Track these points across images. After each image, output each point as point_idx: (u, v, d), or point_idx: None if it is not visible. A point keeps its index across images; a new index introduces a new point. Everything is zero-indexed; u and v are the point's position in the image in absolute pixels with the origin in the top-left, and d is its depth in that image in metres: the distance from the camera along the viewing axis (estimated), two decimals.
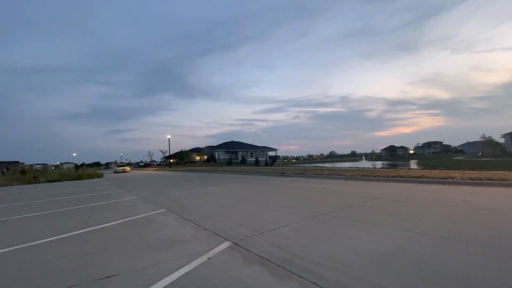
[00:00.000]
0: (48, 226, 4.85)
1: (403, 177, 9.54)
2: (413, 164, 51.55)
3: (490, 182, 7.35)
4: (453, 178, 8.36)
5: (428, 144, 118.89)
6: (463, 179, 8.01)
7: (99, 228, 4.49)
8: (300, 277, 2.34)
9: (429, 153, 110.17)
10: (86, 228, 4.46)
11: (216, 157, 54.13)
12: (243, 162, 49.48)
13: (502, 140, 72.40)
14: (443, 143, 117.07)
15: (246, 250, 3.08)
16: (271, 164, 48.44)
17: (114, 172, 34.65)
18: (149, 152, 73.26)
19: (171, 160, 57.25)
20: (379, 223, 4.00)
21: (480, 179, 7.77)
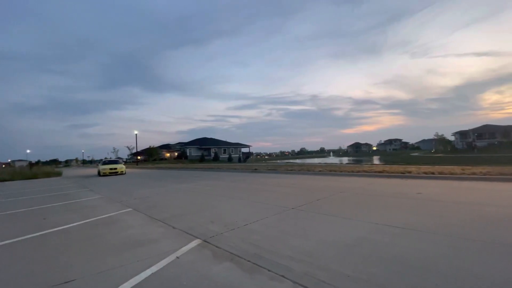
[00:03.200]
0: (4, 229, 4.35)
1: (367, 172, 10.18)
2: (376, 159, 55.26)
3: (441, 176, 8.15)
4: (410, 172, 9.12)
5: (389, 141, 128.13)
6: (418, 174, 8.77)
7: (56, 230, 4.14)
8: (269, 270, 2.39)
9: (390, 149, 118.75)
10: (42, 231, 4.09)
11: (188, 154, 52.78)
12: (216, 159, 48.88)
13: (452, 138, 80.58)
14: (403, 140, 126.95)
15: (216, 247, 3.07)
16: (244, 161, 48.57)
17: (99, 174, 18.72)
18: (114, 149, 68.56)
19: (139, 157, 54.52)
20: (344, 215, 4.23)
21: (433, 173, 8.57)
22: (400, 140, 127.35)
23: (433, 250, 2.72)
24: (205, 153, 51.30)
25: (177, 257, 2.80)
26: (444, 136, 64.84)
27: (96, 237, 3.73)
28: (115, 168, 18.87)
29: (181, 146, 58.92)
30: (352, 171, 10.65)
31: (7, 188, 12.02)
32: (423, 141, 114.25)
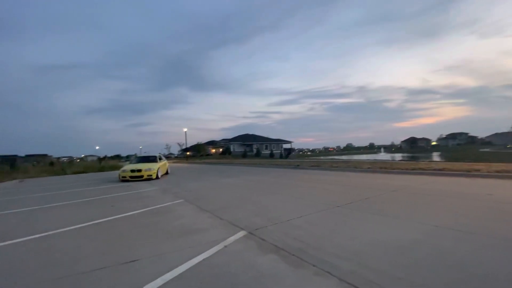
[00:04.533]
0: (77, 214, 5.18)
1: (424, 169, 9.22)
2: (436, 156, 49.42)
3: None
4: (478, 170, 7.97)
5: (452, 136, 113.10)
6: (489, 172, 7.62)
7: (122, 216, 4.74)
8: (314, 266, 2.38)
9: (453, 144, 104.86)
10: (111, 217, 4.72)
11: (231, 150, 54.69)
12: (258, 154, 49.65)
13: None
14: (469, 134, 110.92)
15: (261, 239, 3.16)
16: (286, 157, 48.31)
17: (120, 179, 11.40)
18: (167, 145, 75.02)
19: (188, 153, 58.54)
20: (397, 215, 3.93)
21: (508, 171, 7.35)
22: (466, 134, 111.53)
23: (502, 259, 2.36)
24: (248, 149, 52.49)
25: (225, 246, 2.97)
26: None
27: (154, 223, 4.17)
28: (139, 170, 11.12)
29: (225, 142, 61.27)
30: (406, 169, 9.76)
31: (83, 179, 14.11)
32: (496, 135, 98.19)
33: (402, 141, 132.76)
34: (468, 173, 7.87)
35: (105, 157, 53.87)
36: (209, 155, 59.27)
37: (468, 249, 2.61)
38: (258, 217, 4.17)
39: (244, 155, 48.01)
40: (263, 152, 52.48)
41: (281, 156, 48.32)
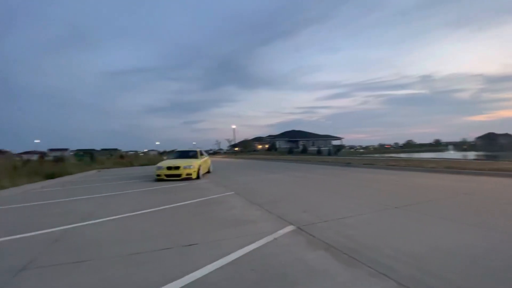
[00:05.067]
0: (143, 200, 5.90)
1: (504, 170, 7.82)
2: None
3: None
4: None
5: None
6: None
7: (181, 204, 5.23)
8: (368, 266, 2.28)
9: None
10: (171, 204, 5.25)
11: (277, 146, 54.81)
12: (304, 151, 48.67)
13: None
14: None
15: (310, 235, 3.14)
16: (335, 154, 46.25)
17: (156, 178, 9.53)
18: (216, 141, 79.54)
19: (236, 149, 60.79)
20: (466, 221, 3.46)
21: None
22: None
23: None
24: (294, 146, 51.88)
25: (275, 238, 3.05)
26: None
27: (209, 212, 4.50)
28: (177, 168, 9.32)
29: (271, 139, 61.70)
30: (481, 169, 8.42)
31: (148, 171, 15.90)
32: None
33: (477, 138, 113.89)
34: None
35: (164, 152, 59.79)
36: (255, 151, 60.56)
37: None
38: (306, 214, 4.14)
39: (290, 152, 47.63)
40: (309, 148, 51.21)
41: (329, 153, 46.49)
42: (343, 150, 58.88)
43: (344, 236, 3.04)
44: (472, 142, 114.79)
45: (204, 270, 2.29)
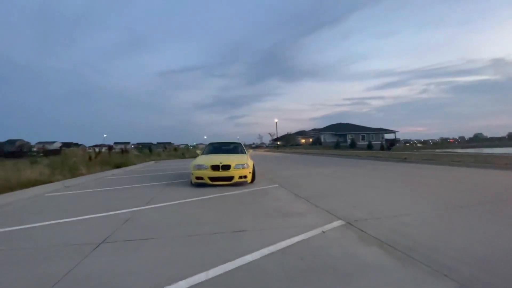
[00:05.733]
0: (194, 189, 6.37)
1: None
2: None
3: None
4: None
5: None
6: None
7: (228, 194, 5.51)
8: (427, 266, 2.11)
9: None
10: (220, 193, 5.57)
11: (322, 140, 52.92)
12: (353, 145, 45.99)
13: None
14: None
15: (362, 231, 3.02)
16: (388, 148, 42.71)
17: (193, 181, 6.48)
18: (259, 135, 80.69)
19: (278, 143, 60.70)
20: None
21: None
22: None
23: None
24: (341, 139, 49.42)
25: (323, 232, 3.02)
26: None
27: (255, 202, 4.66)
28: (227, 167, 6.31)
29: (315, 132, 59.81)
30: None
31: None
32: None
33: None
34: None
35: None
36: (298, 145, 59.54)
37: None
38: (356, 209, 3.98)
39: (336, 146, 45.58)
40: (359, 142, 48.21)
41: (382, 148, 43.17)
42: (398, 144, 53.99)
43: (400, 234, 2.85)
44: None
45: (254, 255, 2.42)
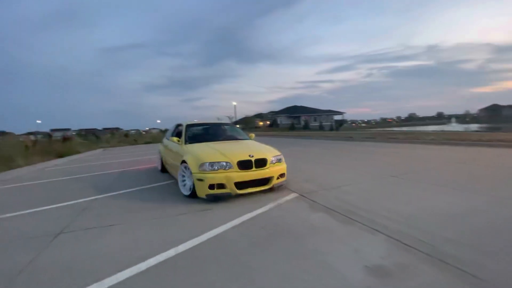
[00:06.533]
0: (153, 176, 6.24)
1: (502, 141, 8.06)
2: None
3: None
4: None
5: None
6: None
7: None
8: (363, 224, 2.61)
9: None
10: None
11: (279, 122, 54.73)
12: (306, 127, 48.72)
13: None
14: None
15: (312, 201, 3.48)
16: (337, 129, 46.33)
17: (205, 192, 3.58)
18: (218, 119, 79.20)
19: (237, 126, 60.83)
20: (457, 186, 3.78)
21: None
22: None
23: None
24: (295, 121, 51.79)
25: (279, 204, 3.39)
26: None
27: None
28: (263, 163, 3.86)
29: (272, 115, 61.38)
30: (480, 140, 8.67)
31: (154, 148, 16.26)
32: None
33: (480, 110, 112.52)
34: None
35: (166, 130, 59.71)
36: (256, 127, 60.60)
37: None
38: (308, 183, 4.47)
39: (291, 128, 47.70)
40: (311, 124, 51.19)
41: (331, 129, 46.56)
42: (345, 125, 58.83)
43: (343, 201, 3.38)
44: (475, 114, 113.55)
45: (221, 228, 2.65)
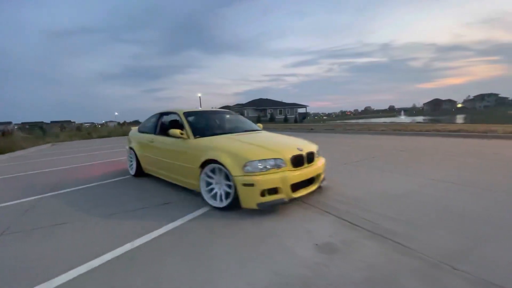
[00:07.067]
0: (114, 168, 5.88)
1: (439, 131, 9.20)
2: (459, 119, 47.16)
3: None
4: (494, 131, 7.89)
5: (480, 97, 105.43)
6: (504, 133, 7.54)
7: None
8: (315, 207, 2.83)
9: (480, 107, 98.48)
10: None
11: (245, 115, 54.82)
12: (272, 119, 49.66)
13: None
14: (499, 95, 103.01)
15: None
16: (301, 121, 48.04)
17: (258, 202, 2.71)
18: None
19: None
20: (399, 171, 4.25)
21: None
22: (495, 95, 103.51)
23: (483, 204, 2.69)
24: (261, 114, 52.43)
25: None
26: None
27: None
28: (312, 158, 3.23)
29: (239, 108, 61.21)
30: (421, 130, 9.76)
31: (111, 142, 15.18)
32: None
33: (424, 104, 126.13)
34: (483, 134, 7.83)
35: (124, 123, 55.75)
36: None
37: (456, 197, 2.94)
38: None
39: (258, 120, 48.13)
40: (277, 117, 52.31)
41: (295, 121, 48.12)
42: (308, 117, 61.27)
43: None
44: (421, 107, 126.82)
45: (181, 220, 2.65)
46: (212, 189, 3.03)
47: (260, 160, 2.72)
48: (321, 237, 2.18)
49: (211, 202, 2.99)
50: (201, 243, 2.18)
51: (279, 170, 2.78)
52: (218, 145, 3.11)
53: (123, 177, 4.93)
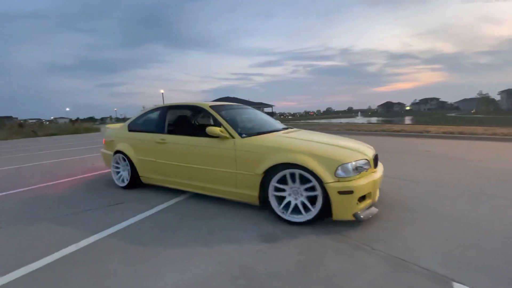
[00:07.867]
0: (62, 170, 5.47)
1: (385, 131, 10.21)
2: (407, 120, 52.44)
3: (461, 136, 8.05)
4: (428, 132, 9.04)
5: (425, 101, 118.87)
6: (437, 133, 8.69)
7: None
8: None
9: (424, 109, 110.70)
10: (95, 172, 5.10)
11: None
12: None
13: (498, 97, 72.62)
14: (440, 100, 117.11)
15: None
16: None
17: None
18: (143, 107, 72.08)
19: None
20: None
21: (452, 133, 8.45)
22: (437, 99, 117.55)
23: (412, 194, 3.16)
24: None
25: (195, 194, 3.55)
26: (488, 95, 58.73)
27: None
28: (377, 161, 2.87)
29: None
30: (370, 130, 10.73)
31: (59, 141, 13.88)
32: (464, 100, 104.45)
33: (378, 106, 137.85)
34: (420, 134, 8.93)
35: (77, 119, 50.82)
36: None
37: (390, 189, 3.40)
38: None
39: None
40: None
41: None
42: (274, 117, 62.57)
43: None
44: (375, 109, 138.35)
45: (131, 220, 2.64)
46: (288, 201, 2.47)
47: (351, 163, 2.33)
48: (266, 228, 2.37)
49: (287, 217, 2.44)
50: (152, 240, 2.22)
51: (368, 173, 2.45)
52: (289, 146, 2.55)
53: (73, 178, 4.64)
